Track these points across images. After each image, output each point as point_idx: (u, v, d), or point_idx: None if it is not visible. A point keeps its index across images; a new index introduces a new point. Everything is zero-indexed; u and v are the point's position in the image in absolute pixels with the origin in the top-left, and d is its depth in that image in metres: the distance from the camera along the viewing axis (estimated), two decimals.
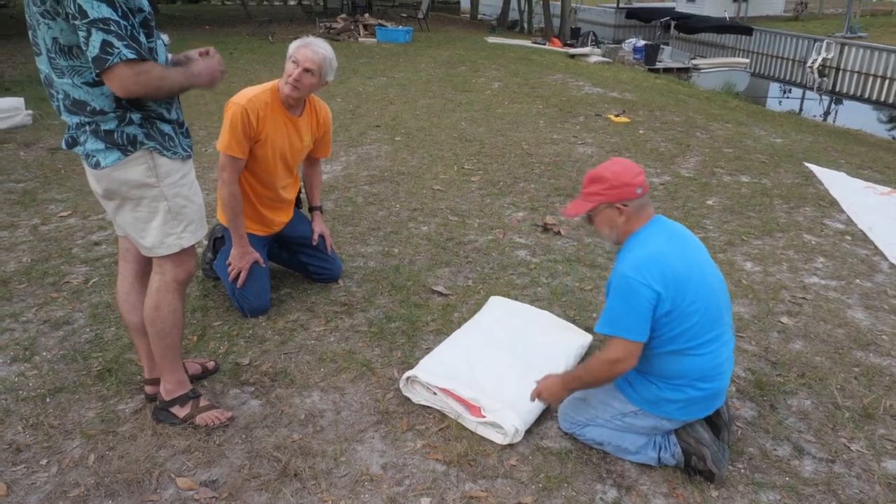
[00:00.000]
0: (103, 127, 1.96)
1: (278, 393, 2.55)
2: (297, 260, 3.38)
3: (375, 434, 2.33)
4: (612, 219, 2.10)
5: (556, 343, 2.73)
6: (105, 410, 2.43)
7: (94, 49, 1.79)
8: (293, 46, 2.87)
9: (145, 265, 2.31)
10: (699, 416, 2.13)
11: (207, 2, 28.80)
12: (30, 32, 1.94)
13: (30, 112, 6.79)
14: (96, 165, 2.00)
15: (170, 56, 2.13)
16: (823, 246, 4.07)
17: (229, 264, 3.00)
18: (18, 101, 6.82)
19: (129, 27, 1.82)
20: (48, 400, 2.48)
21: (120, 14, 1.80)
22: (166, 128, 2.07)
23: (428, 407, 2.45)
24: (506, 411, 2.28)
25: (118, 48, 1.79)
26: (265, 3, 28.84)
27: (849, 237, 4.22)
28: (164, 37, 2.21)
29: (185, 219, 2.16)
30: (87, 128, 1.97)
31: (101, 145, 1.98)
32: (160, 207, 2.09)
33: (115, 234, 2.34)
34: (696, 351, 2.01)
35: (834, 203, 4.85)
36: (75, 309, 3.15)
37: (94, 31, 1.77)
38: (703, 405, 2.10)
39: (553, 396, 2.22)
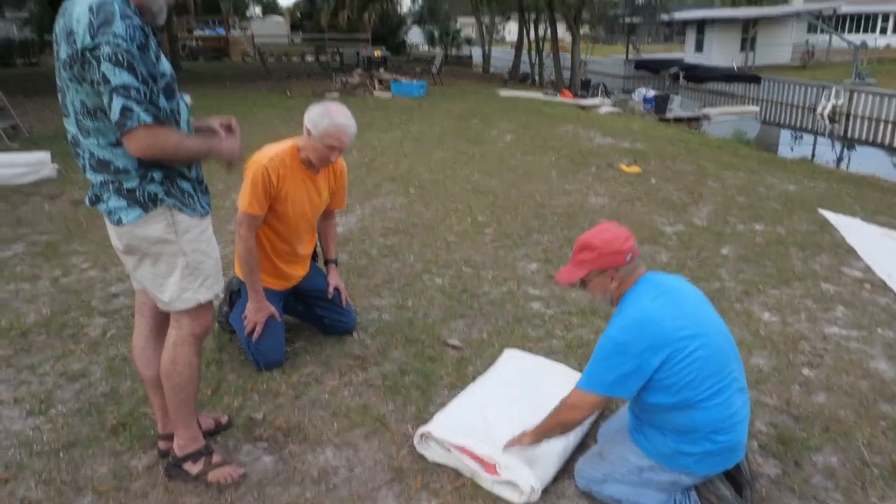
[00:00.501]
0: (126, 185, 2.01)
1: (291, 449, 2.52)
2: (312, 313, 3.40)
3: (389, 492, 2.30)
4: (605, 284, 2.14)
5: None
6: (118, 466, 2.41)
7: (115, 114, 1.87)
8: (326, 128, 2.84)
9: (161, 319, 2.33)
10: (718, 469, 2.08)
11: (228, 59, 29.64)
12: (59, 95, 2.02)
13: (56, 165, 6.97)
14: (118, 222, 2.05)
15: (192, 121, 2.20)
16: (842, 294, 4.03)
17: (245, 318, 3.02)
18: (45, 156, 7.02)
19: (148, 92, 1.89)
20: (61, 455, 2.47)
21: (140, 80, 1.87)
22: (186, 185, 2.12)
23: (442, 464, 2.42)
24: (522, 469, 2.24)
25: (137, 113, 1.86)
26: (284, 58, 29.65)
27: (868, 285, 4.18)
28: (187, 97, 2.29)
29: (203, 274, 2.19)
30: (111, 186, 2.03)
31: (123, 203, 2.03)
32: (178, 263, 2.13)
33: (134, 287, 2.38)
34: (705, 403, 1.98)
35: (851, 250, 4.82)
36: (92, 361, 3.17)
37: (115, 96, 1.85)
38: (721, 458, 2.05)
39: (522, 441, 2.26)
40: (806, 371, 3.11)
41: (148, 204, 2.04)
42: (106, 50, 1.82)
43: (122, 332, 3.46)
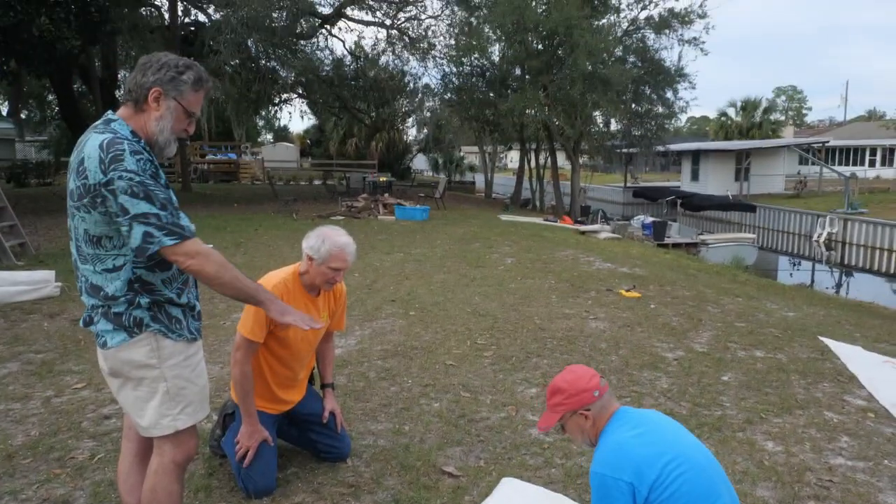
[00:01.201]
0: (113, 310, 2.09)
1: None
2: (306, 437, 3.33)
3: None
4: (580, 424, 2.23)
5: None
6: None
7: (136, 240, 1.97)
8: (329, 251, 2.92)
9: (147, 445, 2.32)
10: None
11: (238, 182, 30.72)
12: (69, 220, 2.12)
13: (59, 284, 7.06)
14: (104, 345, 2.12)
15: None
16: (846, 424, 3.95)
17: (238, 442, 2.97)
18: (49, 274, 7.14)
19: (168, 216, 2.00)
20: None
21: (159, 206, 1.99)
22: (175, 311, 2.17)
23: None
24: None
25: (157, 237, 1.97)
26: (292, 182, 30.71)
27: (871, 414, 4.11)
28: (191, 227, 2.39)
29: (184, 400, 2.19)
30: (100, 310, 2.11)
31: (109, 326, 2.10)
32: (159, 388, 2.15)
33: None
34: None
35: (853, 378, 4.77)
36: (77, 487, 3.08)
37: (135, 224, 1.96)
38: None
39: None
40: None
41: (133, 329, 2.10)
42: (121, 184, 1.94)
43: (110, 455, 3.39)
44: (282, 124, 61.41)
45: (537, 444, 3.60)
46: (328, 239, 2.95)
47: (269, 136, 60.66)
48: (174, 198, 2.13)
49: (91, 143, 2.00)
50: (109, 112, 2.14)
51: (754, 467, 3.35)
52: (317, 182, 30.30)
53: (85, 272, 2.10)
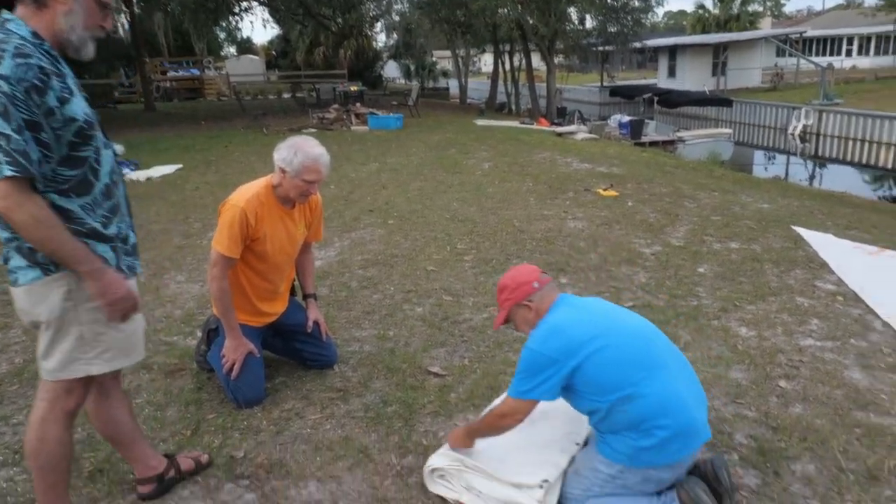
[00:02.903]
0: (26, 245, 1.86)
1: (274, 485, 2.50)
2: (291, 347, 3.38)
3: None
4: (525, 316, 2.38)
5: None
6: None
7: None
8: (302, 163, 2.83)
9: (100, 377, 2.13)
10: (682, 455, 2.13)
11: (203, 99, 29.77)
12: None
13: None
14: (15, 283, 1.92)
15: (119, 171, 2.07)
16: (816, 308, 4.09)
17: (223, 356, 3.00)
18: None
19: (22, 142, 1.71)
20: None
21: (14, 128, 1.70)
22: (101, 248, 1.95)
23: (428, 493, 2.41)
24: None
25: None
26: (260, 97, 29.81)
27: (840, 298, 4.25)
28: (117, 147, 2.17)
29: (100, 346, 2.00)
30: (13, 244, 1.88)
31: (23, 263, 1.89)
32: (71, 332, 1.95)
33: None
34: (640, 391, 2.10)
35: (824, 265, 4.90)
36: None
37: None
38: (679, 443, 2.11)
39: (456, 440, 2.45)
40: (783, 383, 3.14)
41: (48, 266, 1.88)
42: None
43: None
44: (244, 35, 58.98)
45: (520, 340, 3.69)
46: (300, 150, 2.86)
47: (233, 49, 58.29)
48: (81, 113, 1.86)
49: None
50: (5, 12, 1.85)
51: (728, 352, 3.48)
52: (286, 95, 29.48)
53: None
